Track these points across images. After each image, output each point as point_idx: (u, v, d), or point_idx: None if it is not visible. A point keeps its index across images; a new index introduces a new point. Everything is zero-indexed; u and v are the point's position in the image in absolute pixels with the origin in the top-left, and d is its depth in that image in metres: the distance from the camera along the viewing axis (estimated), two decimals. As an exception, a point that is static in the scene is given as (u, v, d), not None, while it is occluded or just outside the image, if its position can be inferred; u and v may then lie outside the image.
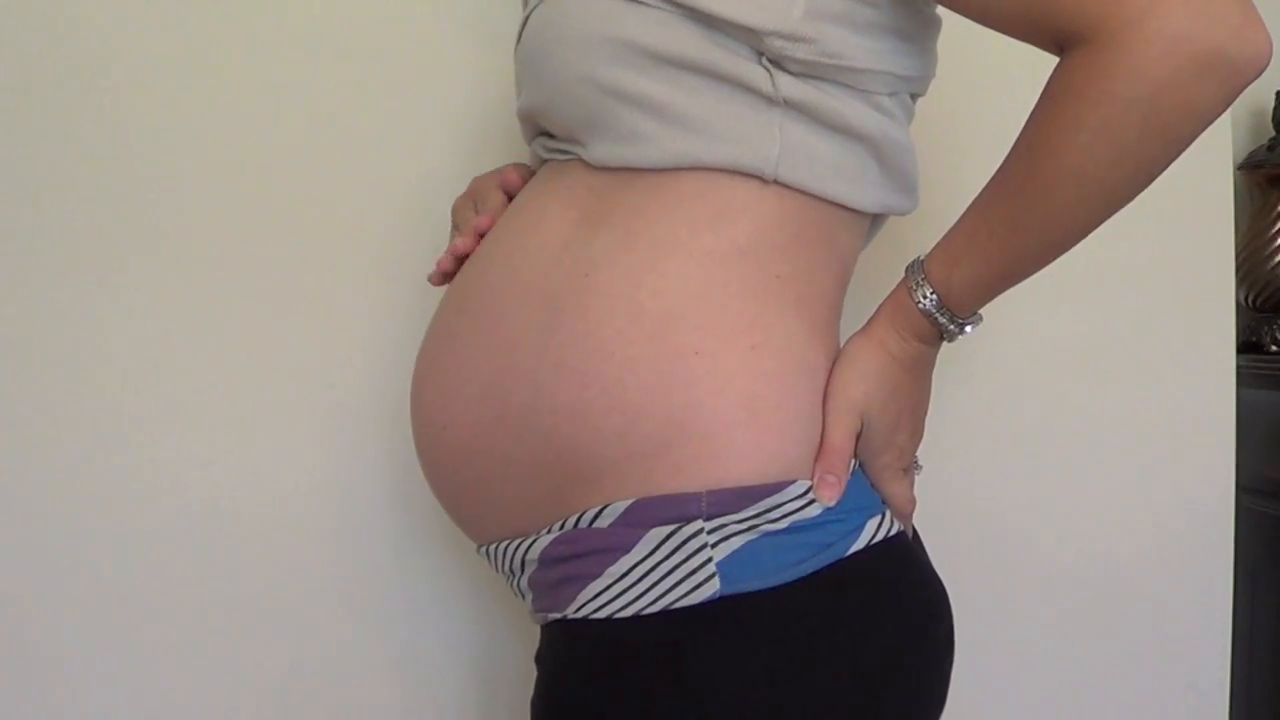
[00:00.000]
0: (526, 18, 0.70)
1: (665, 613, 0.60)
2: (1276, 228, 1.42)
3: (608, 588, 0.61)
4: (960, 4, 0.62)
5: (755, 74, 0.62)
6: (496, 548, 0.71)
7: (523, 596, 0.71)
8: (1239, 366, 1.11)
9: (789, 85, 0.63)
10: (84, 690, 1.03)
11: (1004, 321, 1.07)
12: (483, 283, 0.70)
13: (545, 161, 0.74)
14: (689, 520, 0.60)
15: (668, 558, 0.60)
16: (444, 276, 0.77)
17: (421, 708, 1.07)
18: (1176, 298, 1.09)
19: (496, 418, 0.66)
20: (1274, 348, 1.42)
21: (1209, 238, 1.09)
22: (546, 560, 0.65)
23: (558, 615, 0.65)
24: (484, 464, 0.67)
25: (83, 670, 1.03)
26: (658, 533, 0.60)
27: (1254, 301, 1.45)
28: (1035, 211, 0.59)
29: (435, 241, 1.03)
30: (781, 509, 0.60)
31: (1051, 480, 1.10)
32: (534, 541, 0.66)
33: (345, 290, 1.03)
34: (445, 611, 1.08)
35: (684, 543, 0.60)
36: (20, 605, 1.02)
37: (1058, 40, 0.58)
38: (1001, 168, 0.61)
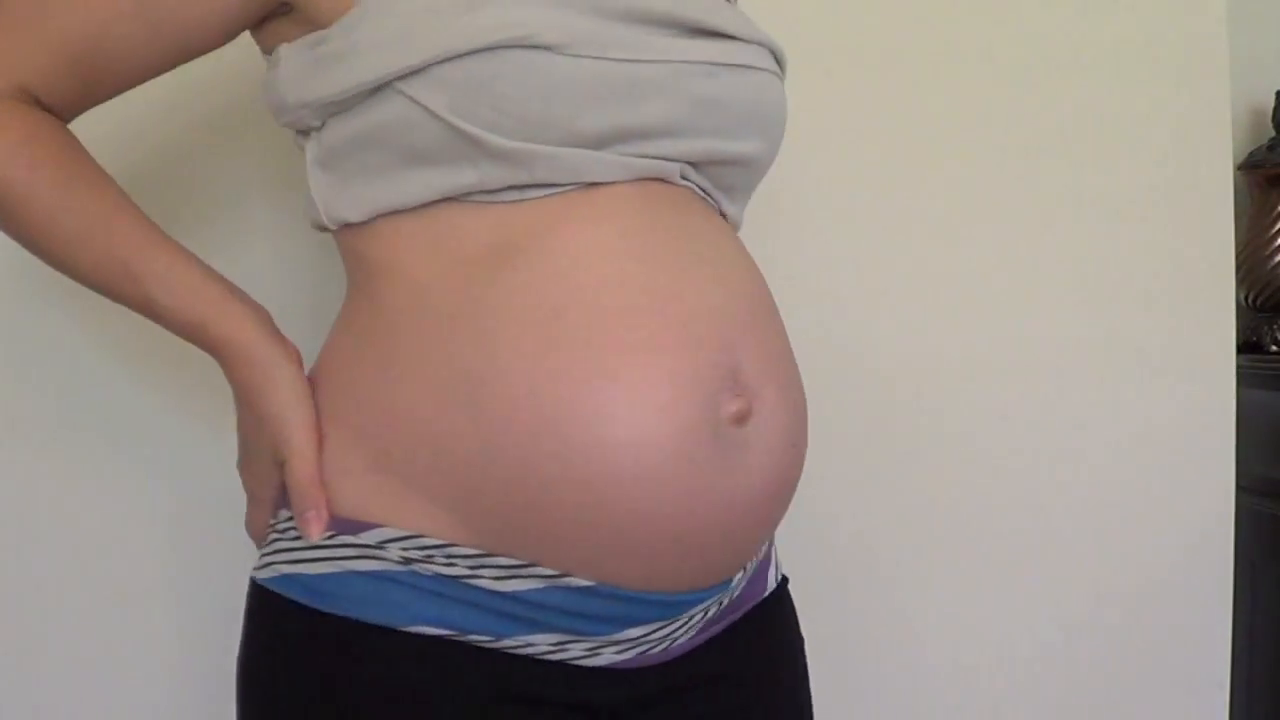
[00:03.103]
0: (742, 66, 0.65)
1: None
2: (1276, 228, 1.43)
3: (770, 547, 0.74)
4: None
5: None
6: (742, 575, 0.68)
7: (691, 630, 0.67)
8: (1239, 366, 1.11)
9: None
10: (63, 692, 1.03)
11: (1004, 322, 1.08)
12: (752, 298, 0.66)
13: (668, 185, 0.64)
14: None
15: None
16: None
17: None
18: (1176, 298, 1.09)
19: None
20: (1274, 348, 1.42)
21: (1209, 238, 1.09)
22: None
23: (762, 596, 0.71)
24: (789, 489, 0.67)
25: (62, 671, 1.03)
26: None
27: (1254, 301, 1.45)
28: None
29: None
30: None
31: (1051, 480, 1.10)
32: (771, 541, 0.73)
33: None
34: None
35: None
36: (21, 606, 1.02)
37: None
38: None
